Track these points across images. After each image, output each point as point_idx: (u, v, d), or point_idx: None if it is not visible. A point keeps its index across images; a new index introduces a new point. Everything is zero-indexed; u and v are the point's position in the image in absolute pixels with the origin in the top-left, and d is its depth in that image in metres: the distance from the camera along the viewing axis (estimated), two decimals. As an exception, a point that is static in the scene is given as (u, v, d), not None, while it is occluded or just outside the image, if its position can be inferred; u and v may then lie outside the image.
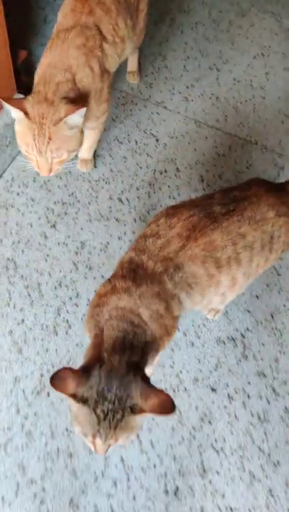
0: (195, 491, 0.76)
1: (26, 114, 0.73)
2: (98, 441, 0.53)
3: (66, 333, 0.87)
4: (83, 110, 0.74)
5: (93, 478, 0.75)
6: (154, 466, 0.77)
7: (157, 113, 1.24)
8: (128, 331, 0.58)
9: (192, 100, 1.28)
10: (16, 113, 0.74)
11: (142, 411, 0.51)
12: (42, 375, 0.82)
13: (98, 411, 0.51)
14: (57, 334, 0.87)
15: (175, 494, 0.75)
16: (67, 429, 0.78)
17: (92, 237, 0.99)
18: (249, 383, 0.87)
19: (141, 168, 1.12)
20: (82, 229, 1.00)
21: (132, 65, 1.25)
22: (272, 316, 0.95)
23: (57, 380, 0.51)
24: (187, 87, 1.31)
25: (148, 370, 0.64)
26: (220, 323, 0.92)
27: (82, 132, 0.82)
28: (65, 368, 0.52)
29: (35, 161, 0.79)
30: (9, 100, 0.75)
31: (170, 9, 1.50)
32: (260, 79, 1.37)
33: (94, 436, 0.53)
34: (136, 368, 0.55)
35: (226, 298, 0.71)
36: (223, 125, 1.24)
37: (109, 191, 1.06)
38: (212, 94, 1.31)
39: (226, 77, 1.35)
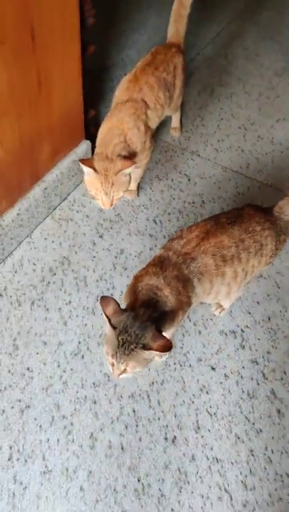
0: (189, 442, 0.94)
1: (94, 169, 1.04)
2: (115, 362, 0.76)
3: (101, 314, 1.12)
4: (133, 165, 1.05)
5: (110, 421, 0.96)
6: (159, 418, 0.97)
7: (192, 159, 1.54)
8: (153, 298, 0.82)
9: (221, 151, 1.58)
10: (87, 169, 1.05)
11: (150, 348, 0.74)
12: (79, 342, 1.07)
13: (120, 338, 0.74)
14: (94, 314, 1.12)
15: (173, 442, 0.94)
16: (94, 383, 1.01)
17: (129, 247, 1.26)
18: (243, 367, 1.05)
19: (174, 199, 1.41)
20: (122, 240, 1.28)
21: (175, 122, 1.58)
22: (269, 318, 1.14)
23: (104, 300, 0.75)
24: (218, 141, 1.62)
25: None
26: (224, 319, 1.13)
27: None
28: (112, 297, 0.76)
29: (101, 199, 1.09)
30: (83, 161, 1.06)
31: (211, 83, 1.86)
32: (280, 137, 1.65)
33: (112, 356, 0.75)
34: (154, 321, 0.78)
35: (231, 289, 0.93)
36: (245, 171, 1.52)
37: (146, 214, 1.35)
38: (238, 147, 1.60)
39: (251, 135, 1.65)
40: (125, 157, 1.08)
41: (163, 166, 1.51)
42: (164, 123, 1.51)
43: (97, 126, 1.22)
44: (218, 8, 2.31)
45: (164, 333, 0.77)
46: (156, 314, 0.79)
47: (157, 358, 1.04)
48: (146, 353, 0.74)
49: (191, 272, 0.85)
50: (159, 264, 0.85)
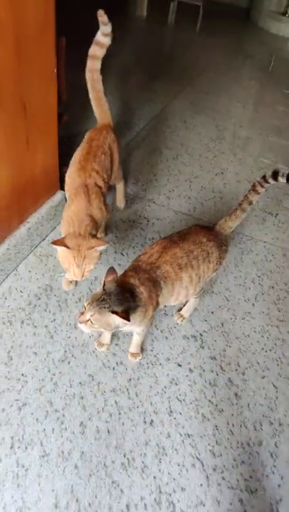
0: (164, 423, 1.12)
1: (67, 247, 1.14)
2: (86, 309, 0.93)
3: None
4: (106, 244, 1.19)
5: (96, 411, 1.12)
6: (137, 407, 1.14)
7: (149, 205, 1.85)
8: (132, 290, 1.03)
9: (172, 198, 1.91)
10: (60, 248, 1.14)
11: (116, 313, 0.91)
12: (65, 351, 1.24)
13: (102, 296, 0.93)
14: (76, 328, 1.31)
15: (150, 424, 1.11)
16: (80, 383, 1.17)
17: (102, 274, 1.49)
18: (204, 363, 1.27)
19: (136, 236, 1.68)
20: (96, 269, 1.51)
21: (119, 194, 1.74)
22: (222, 324, 1.39)
23: (110, 271, 0.96)
24: (169, 191, 1.95)
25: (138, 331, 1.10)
26: (186, 327, 1.36)
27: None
28: (115, 272, 0.97)
29: (73, 271, 1.17)
30: (55, 242, 1.14)
31: (159, 147, 2.25)
32: (219, 187, 2.02)
33: (88, 304, 0.93)
34: (127, 303, 0.98)
35: (188, 292, 1.17)
36: (192, 213, 1.84)
37: (114, 248, 1.60)
38: (186, 195, 1.94)
39: (195, 186, 2.01)
40: (94, 236, 1.22)
41: (126, 211, 1.80)
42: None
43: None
44: (162, 92, 2.82)
45: (139, 327, 1.00)
46: (131, 301, 1.00)
47: (131, 358, 1.24)
48: (111, 317, 0.93)
49: (158, 276, 1.09)
50: (134, 270, 1.09)
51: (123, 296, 0.98)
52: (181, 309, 1.38)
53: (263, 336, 1.38)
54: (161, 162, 2.14)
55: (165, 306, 1.37)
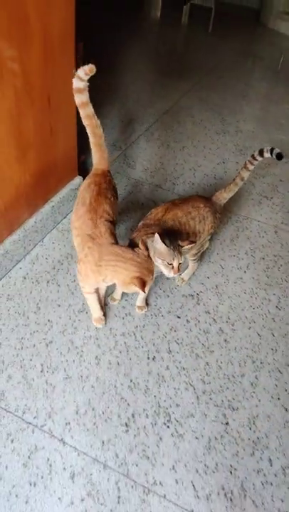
0: (164, 359, 1.36)
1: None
2: (174, 262, 1.19)
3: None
4: None
5: (108, 349, 1.37)
6: (142, 346, 1.39)
7: (156, 190, 2.09)
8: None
9: (178, 185, 2.15)
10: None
11: (182, 246, 1.20)
12: (83, 304, 1.49)
13: (171, 247, 1.18)
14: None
15: (153, 359, 1.35)
16: (96, 328, 1.42)
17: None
18: (199, 315, 1.51)
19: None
20: (109, 241, 1.76)
21: None
22: (216, 286, 1.62)
23: (160, 235, 1.16)
24: (175, 178, 2.19)
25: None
26: (185, 288, 1.60)
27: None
28: (162, 234, 1.18)
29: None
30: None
31: (168, 140, 2.49)
32: (220, 174, 2.25)
33: (172, 259, 1.18)
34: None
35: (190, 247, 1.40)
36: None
37: (125, 225, 1.85)
38: (190, 181, 2.18)
39: (199, 174, 2.25)
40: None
41: (135, 195, 2.05)
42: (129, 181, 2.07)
43: (86, 167, 1.74)
44: (173, 89, 3.06)
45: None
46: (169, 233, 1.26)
47: (138, 310, 1.48)
48: (185, 248, 1.22)
49: (167, 229, 1.32)
50: (145, 226, 1.33)
51: (171, 236, 1.22)
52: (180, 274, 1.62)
53: (251, 297, 1.61)
54: (169, 153, 2.38)
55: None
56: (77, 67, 1.60)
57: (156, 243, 1.19)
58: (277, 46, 4.45)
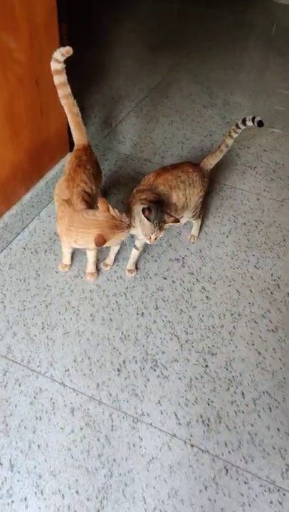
0: (151, 315, 1.52)
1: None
2: (152, 235, 1.34)
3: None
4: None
5: (102, 307, 1.53)
6: (132, 304, 1.55)
7: (145, 164, 2.21)
8: (157, 201, 1.41)
9: (166, 158, 2.26)
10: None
11: (166, 222, 1.33)
12: (78, 270, 1.65)
13: (154, 222, 1.31)
14: (85, 254, 1.71)
15: (142, 315, 1.52)
16: (90, 290, 1.58)
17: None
18: (184, 276, 1.66)
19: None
20: (101, 212, 1.90)
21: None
22: (200, 250, 1.77)
23: (144, 210, 1.30)
24: (163, 151, 2.31)
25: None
26: (170, 252, 1.75)
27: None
28: (146, 208, 1.31)
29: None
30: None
31: (157, 115, 2.59)
32: (207, 147, 2.36)
33: (152, 233, 1.33)
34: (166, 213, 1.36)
35: (184, 207, 1.54)
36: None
37: (116, 198, 1.99)
38: (178, 154, 2.29)
39: (187, 146, 2.36)
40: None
41: (125, 169, 2.18)
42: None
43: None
44: (162, 63, 3.13)
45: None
46: (160, 206, 1.38)
47: (128, 274, 1.64)
48: (166, 225, 1.35)
49: (158, 192, 1.46)
50: (139, 192, 1.47)
51: (158, 209, 1.34)
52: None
53: (232, 258, 1.76)
54: (158, 128, 2.49)
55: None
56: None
57: (141, 217, 1.34)
58: (269, 15, 4.44)
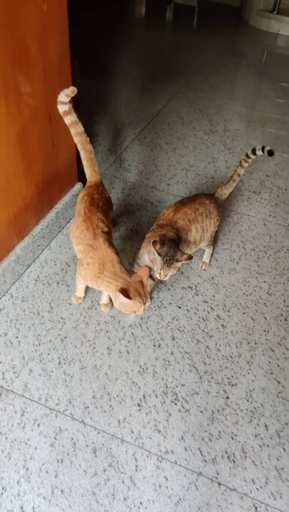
0: (168, 346, 1.50)
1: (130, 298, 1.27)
2: (162, 271, 1.36)
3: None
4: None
5: (118, 339, 1.51)
6: (148, 336, 1.53)
7: (152, 191, 2.23)
8: (173, 239, 1.42)
9: (171, 185, 2.29)
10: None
11: (179, 260, 1.35)
12: (92, 302, 1.64)
13: (164, 259, 1.34)
14: (99, 286, 1.70)
15: (159, 346, 1.50)
16: (105, 322, 1.57)
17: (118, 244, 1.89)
18: (198, 305, 1.66)
19: (142, 216, 2.07)
20: (115, 239, 1.90)
21: None
22: (212, 278, 1.77)
23: (154, 243, 1.33)
24: (168, 178, 2.34)
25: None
26: (183, 280, 1.75)
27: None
28: (157, 241, 1.33)
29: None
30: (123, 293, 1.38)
31: (160, 143, 2.63)
32: (211, 173, 2.40)
33: (160, 269, 1.35)
34: (179, 250, 1.38)
35: (196, 240, 1.55)
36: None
37: (125, 225, 2.00)
38: (183, 181, 2.32)
39: (191, 174, 2.39)
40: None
41: (132, 197, 2.19)
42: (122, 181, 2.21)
43: (84, 174, 1.89)
44: (161, 92, 3.20)
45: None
46: (175, 244, 1.40)
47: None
48: (178, 264, 1.37)
49: (177, 227, 1.48)
50: (159, 227, 1.48)
51: (172, 246, 1.36)
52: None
53: (244, 285, 1.76)
54: (161, 155, 2.53)
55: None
56: (74, 83, 1.75)
57: (153, 252, 1.36)
58: (259, 43, 4.59)
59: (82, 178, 2.04)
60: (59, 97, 1.40)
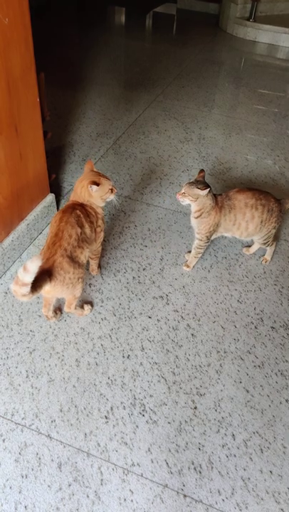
0: (137, 357, 1.50)
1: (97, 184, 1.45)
2: (184, 189, 1.54)
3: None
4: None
5: (87, 351, 1.51)
6: (118, 347, 1.53)
7: (125, 201, 2.24)
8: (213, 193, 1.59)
9: (145, 194, 2.30)
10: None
11: (199, 189, 1.51)
12: (62, 314, 1.63)
13: (191, 182, 1.53)
14: (70, 297, 1.70)
15: (128, 357, 1.50)
16: (74, 333, 1.56)
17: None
18: (169, 314, 1.66)
19: (115, 226, 2.07)
20: (83, 252, 1.90)
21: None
22: (183, 286, 1.78)
23: (200, 171, 1.55)
24: (142, 188, 2.35)
25: None
26: (154, 290, 1.75)
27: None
28: (203, 170, 1.53)
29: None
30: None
31: (135, 152, 2.64)
32: (185, 182, 2.42)
33: (183, 187, 1.54)
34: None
35: (248, 226, 1.67)
36: (162, 204, 2.23)
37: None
38: (157, 190, 2.34)
39: (165, 182, 2.40)
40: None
41: (105, 206, 2.19)
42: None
43: (57, 184, 1.89)
44: (137, 101, 3.22)
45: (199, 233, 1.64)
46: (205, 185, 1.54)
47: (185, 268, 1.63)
48: (196, 191, 1.52)
49: (226, 204, 1.64)
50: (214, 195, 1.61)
51: (206, 185, 1.52)
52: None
53: (215, 293, 1.77)
54: (136, 164, 2.54)
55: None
56: (41, 94, 1.75)
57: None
58: (236, 51, 4.67)
59: (54, 189, 2.04)
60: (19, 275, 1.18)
